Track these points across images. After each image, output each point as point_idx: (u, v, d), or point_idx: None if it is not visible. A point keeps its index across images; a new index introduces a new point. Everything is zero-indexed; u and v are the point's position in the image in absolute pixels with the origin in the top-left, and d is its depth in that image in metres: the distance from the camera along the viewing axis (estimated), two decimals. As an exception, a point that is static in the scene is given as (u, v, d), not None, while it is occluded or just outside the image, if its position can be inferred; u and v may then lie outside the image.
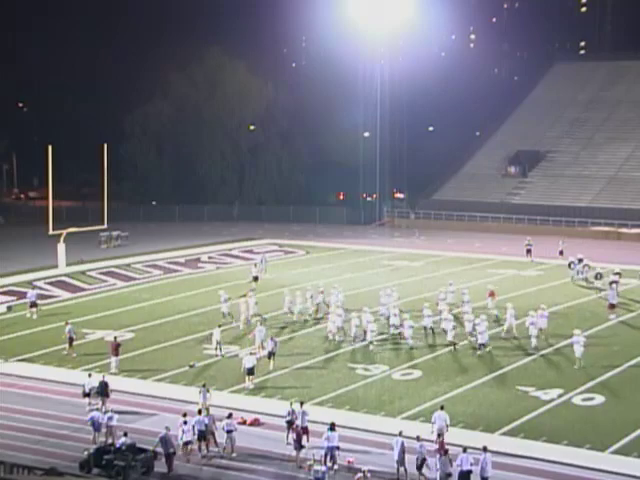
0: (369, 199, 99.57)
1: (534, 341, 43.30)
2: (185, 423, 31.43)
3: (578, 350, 40.51)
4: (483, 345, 42.78)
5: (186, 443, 31.04)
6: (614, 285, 53.48)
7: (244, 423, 33.59)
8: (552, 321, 47.78)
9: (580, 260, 61.91)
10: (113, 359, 40.00)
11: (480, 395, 36.72)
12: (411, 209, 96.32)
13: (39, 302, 51.98)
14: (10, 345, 45.02)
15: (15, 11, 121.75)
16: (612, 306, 50.63)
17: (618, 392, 37.38)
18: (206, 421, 31.65)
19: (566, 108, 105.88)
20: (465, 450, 28.84)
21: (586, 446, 31.74)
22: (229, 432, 31.36)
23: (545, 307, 45.99)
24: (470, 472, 28.37)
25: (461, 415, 34.30)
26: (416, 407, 35.58)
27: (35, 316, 50.42)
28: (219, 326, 43.20)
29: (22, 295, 54.07)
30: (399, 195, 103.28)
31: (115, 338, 41.86)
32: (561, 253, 67.48)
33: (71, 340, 43.08)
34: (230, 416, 31.73)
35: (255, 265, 60.72)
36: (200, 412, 32.33)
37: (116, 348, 40.19)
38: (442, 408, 32.51)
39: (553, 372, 40.09)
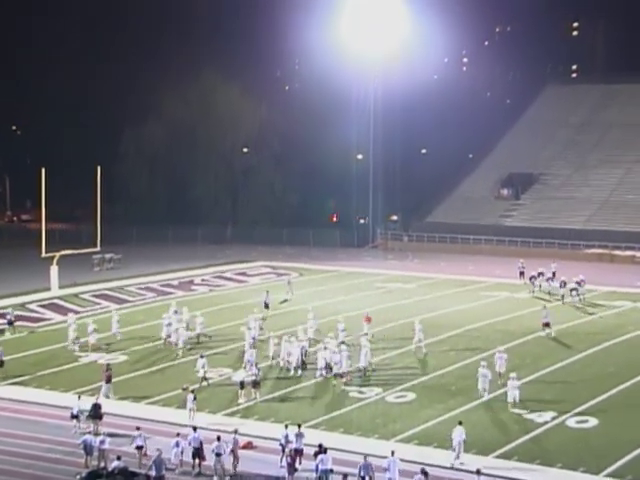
0: (362, 221, 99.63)
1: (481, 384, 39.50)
2: (177, 444, 31.47)
3: (514, 394, 37.76)
4: (340, 375, 41.71)
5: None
6: (574, 292, 58.54)
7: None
8: (547, 344, 47.86)
9: (540, 274, 64.78)
10: (104, 386, 39.62)
11: (474, 418, 36.57)
12: (404, 231, 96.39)
13: (17, 324, 52.19)
14: (2, 368, 44.75)
15: (8, 33, 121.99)
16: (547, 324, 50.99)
17: (612, 414, 37.29)
18: (201, 439, 31.74)
19: (559, 130, 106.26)
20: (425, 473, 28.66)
21: (580, 469, 31.63)
22: (218, 455, 31.24)
23: (502, 349, 42.77)
24: None
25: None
26: (410, 430, 35.46)
27: (16, 334, 50.83)
28: (201, 357, 42.21)
29: (3, 316, 54.06)
30: (394, 217, 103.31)
31: (107, 365, 41.52)
32: (522, 274, 67.43)
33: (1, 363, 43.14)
34: (219, 439, 31.63)
35: (267, 292, 58.63)
36: (195, 429, 32.44)
37: (108, 376, 39.89)
38: (460, 423, 32.61)
39: (547, 394, 39.99)
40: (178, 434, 32.42)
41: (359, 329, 49.90)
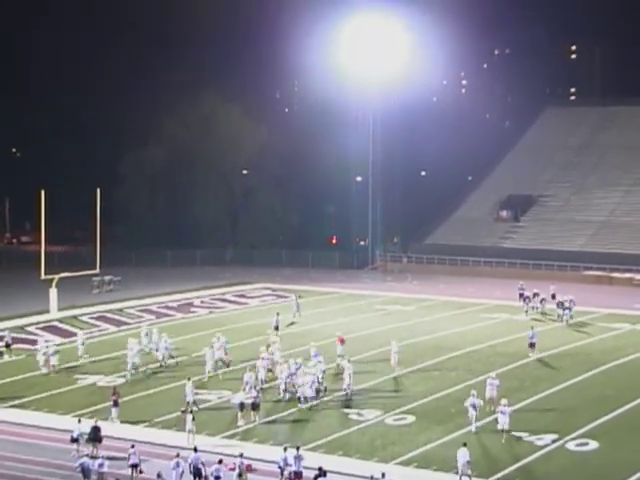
0: (362, 243, 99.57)
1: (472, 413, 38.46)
2: (178, 465, 31.58)
3: (502, 421, 37.05)
4: (305, 398, 41.35)
5: None
6: (567, 312, 60.59)
7: (233, 469, 33.29)
8: (546, 366, 47.83)
9: (536, 294, 65.07)
10: (113, 409, 39.40)
11: (474, 440, 36.44)
12: (404, 253, 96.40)
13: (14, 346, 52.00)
14: (0, 391, 44.71)
15: (7, 55, 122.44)
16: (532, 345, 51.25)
17: (613, 437, 37.20)
18: (202, 459, 31.80)
19: (557, 153, 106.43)
20: None
21: (581, 492, 31.58)
22: (217, 478, 31.16)
23: (494, 375, 41.70)
24: None
25: (455, 460, 34.02)
26: (409, 452, 35.35)
27: (13, 357, 50.80)
28: (188, 379, 41.91)
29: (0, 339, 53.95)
30: (394, 240, 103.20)
31: (114, 389, 41.15)
32: (521, 296, 66.55)
33: None
34: (220, 462, 31.54)
35: (277, 314, 58.30)
36: (196, 450, 32.56)
37: (115, 400, 39.63)
38: (465, 445, 32.52)
39: (547, 417, 39.91)
40: (178, 454, 32.40)
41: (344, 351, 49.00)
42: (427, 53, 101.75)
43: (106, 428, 36.68)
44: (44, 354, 48.67)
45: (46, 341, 52.22)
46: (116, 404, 39.47)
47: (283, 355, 46.68)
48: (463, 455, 32.11)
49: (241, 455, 31.99)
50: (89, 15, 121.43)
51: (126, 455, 33.06)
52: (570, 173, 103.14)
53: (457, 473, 32.08)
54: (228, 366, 47.72)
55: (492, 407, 39.28)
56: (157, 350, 49.95)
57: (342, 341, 50.22)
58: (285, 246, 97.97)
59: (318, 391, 42.52)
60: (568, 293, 63.60)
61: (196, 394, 40.86)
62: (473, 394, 38.25)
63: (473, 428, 37.33)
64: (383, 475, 30.08)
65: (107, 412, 39.98)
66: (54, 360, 48.34)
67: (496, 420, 37.53)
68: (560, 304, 61.81)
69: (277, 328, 56.19)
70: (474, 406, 37.77)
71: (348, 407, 41.32)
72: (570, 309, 61.62)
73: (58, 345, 52.00)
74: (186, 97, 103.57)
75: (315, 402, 41.74)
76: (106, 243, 72.03)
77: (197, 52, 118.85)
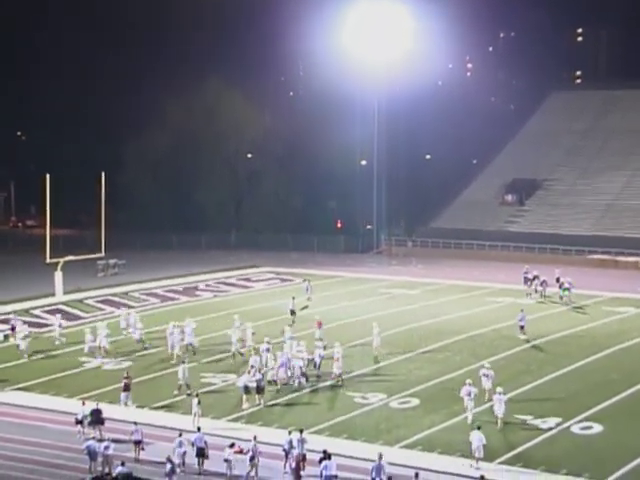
0: (369, 227, 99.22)
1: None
2: (180, 445, 32.05)
3: (499, 409, 36.25)
4: (274, 382, 41.55)
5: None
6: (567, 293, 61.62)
7: (241, 452, 33.43)
8: (551, 350, 47.90)
9: (535, 277, 65.25)
10: (123, 394, 39.24)
11: (478, 423, 36.48)
12: (409, 237, 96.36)
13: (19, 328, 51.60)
14: (6, 374, 44.86)
15: (11, 40, 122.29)
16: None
17: (617, 421, 37.23)
18: (205, 439, 32.15)
19: (562, 136, 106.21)
20: (417, 476, 28.90)
21: (585, 475, 31.58)
22: (227, 461, 31.34)
23: (488, 365, 41.06)
24: None
25: (459, 443, 34.11)
26: (414, 436, 35.43)
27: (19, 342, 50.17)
28: (183, 362, 42.21)
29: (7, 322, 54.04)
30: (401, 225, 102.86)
31: (127, 373, 41.02)
32: (527, 280, 66.42)
33: None
34: (232, 445, 31.75)
35: (293, 298, 58.12)
36: (199, 430, 32.88)
37: (127, 384, 39.45)
38: (479, 428, 32.52)
39: (551, 401, 39.95)
40: (180, 434, 32.74)
41: (335, 336, 48.68)
42: (432, 37, 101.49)
43: (113, 411, 36.83)
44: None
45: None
46: (127, 388, 39.28)
47: (292, 337, 46.72)
48: (479, 438, 32.09)
49: (254, 438, 32.09)
50: (92, 1, 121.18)
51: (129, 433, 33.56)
52: (575, 157, 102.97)
53: (472, 456, 32.04)
54: (194, 353, 47.57)
55: (487, 396, 38.51)
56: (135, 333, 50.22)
57: (320, 324, 50.08)
58: (290, 230, 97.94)
59: (305, 375, 42.39)
60: (572, 277, 63.78)
61: (202, 377, 40.98)
62: (468, 382, 37.55)
63: (469, 418, 36.53)
64: (380, 456, 30.18)
65: (112, 395, 40.18)
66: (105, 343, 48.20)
67: (492, 408, 37.07)
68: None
69: (293, 312, 55.87)
70: (470, 394, 36.98)
71: (353, 391, 41.41)
72: (569, 289, 62.25)
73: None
74: (190, 82, 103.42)
75: (298, 385, 41.76)
76: (111, 227, 72.11)
77: (201, 36, 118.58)
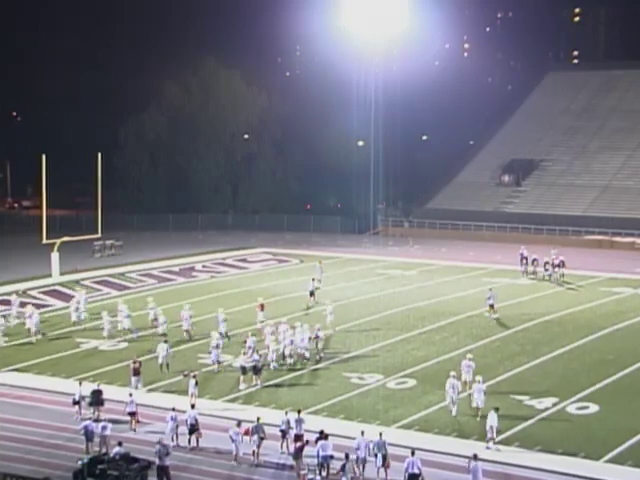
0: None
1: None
2: (172, 419, 32.56)
3: (479, 398, 35.08)
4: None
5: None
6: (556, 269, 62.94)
7: (247, 434, 33.34)
8: (547, 330, 47.98)
9: (525, 258, 65.96)
10: (133, 378, 39.01)
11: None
12: (405, 218, 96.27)
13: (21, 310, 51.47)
14: (3, 354, 44.89)
15: (9, 21, 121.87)
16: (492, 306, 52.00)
17: (612, 401, 37.35)
18: (197, 416, 32.46)
19: (559, 117, 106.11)
20: (413, 453, 29.11)
21: (581, 455, 31.74)
22: (233, 441, 31.46)
23: (471, 356, 39.40)
24: (417, 476, 28.66)
25: (455, 424, 34.28)
26: (410, 416, 35.53)
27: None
28: (165, 342, 42.07)
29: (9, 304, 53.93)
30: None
31: (136, 357, 40.71)
32: (523, 260, 66.74)
33: None
34: (239, 424, 31.89)
35: (313, 280, 57.35)
36: (193, 407, 33.15)
37: (136, 368, 39.15)
38: (497, 410, 32.53)
39: (548, 381, 40.06)
40: (173, 409, 33.07)
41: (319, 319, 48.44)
42: (430, 16, 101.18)
43: (111, 392, 36.90)
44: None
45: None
46: (137, 372, 38.97)
47: (288, 320, 46.77)
48: (492, 419, 32.19)
49: (258, 420, 32.14)
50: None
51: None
52: (572, 137, 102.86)
53: (486, 437, 32.30)
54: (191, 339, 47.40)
55: (468, 387, 37.18)
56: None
57: (262, 307, 49.67)
58: (286, 210, 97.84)
59: (284, 356, 42.44)
60: (568, 257, 64.23)
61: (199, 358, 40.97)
62: (452, 375, 36.20)
63: (453, 412, 35.54)
64: (381, 435, 30.44)
65: (109, 376, 40.34)
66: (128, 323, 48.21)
67: (470, 397, 35.92)
68: (547, 263, 63.68)
69: (312, 294, 55.56)
70: (453, 388, 35.83)
71: (350, 371, 41.49)
72: (559, 266, 63.16)
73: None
74: (187, 62, 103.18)
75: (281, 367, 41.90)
76: (107, 208, 72.04)
77: (198, 17, 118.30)
